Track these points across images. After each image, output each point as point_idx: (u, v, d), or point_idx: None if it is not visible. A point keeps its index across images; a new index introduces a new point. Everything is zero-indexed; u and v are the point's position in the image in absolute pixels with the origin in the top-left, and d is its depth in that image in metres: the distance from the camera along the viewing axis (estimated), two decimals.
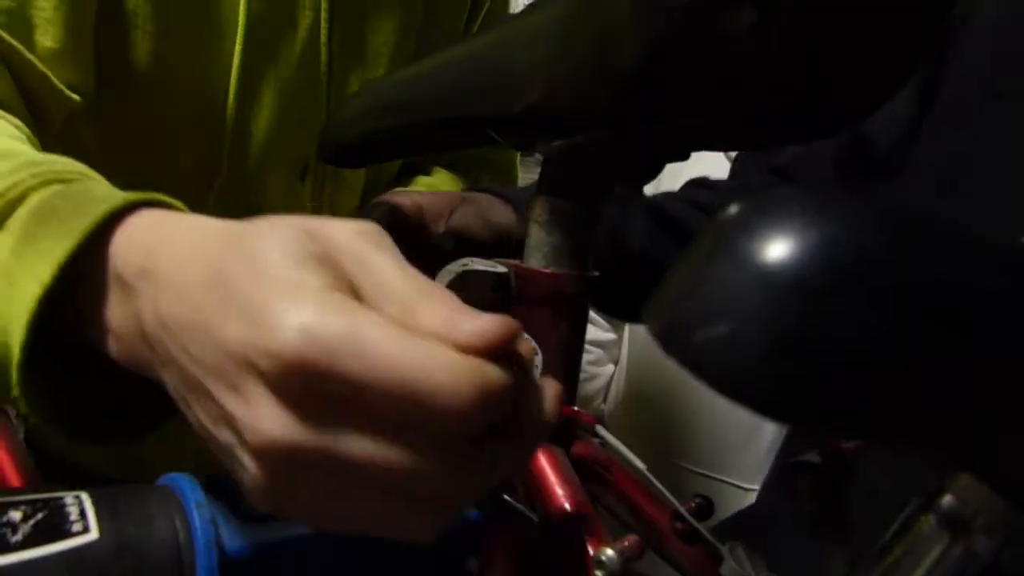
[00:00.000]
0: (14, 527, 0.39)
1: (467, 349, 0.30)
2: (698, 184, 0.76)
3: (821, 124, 0.34)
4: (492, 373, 0.30)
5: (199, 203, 0.56)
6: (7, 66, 0.58)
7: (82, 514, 0.41)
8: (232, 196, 0.78)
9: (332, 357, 0.29)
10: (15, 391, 0.39)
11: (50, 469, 0.91)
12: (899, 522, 0.30)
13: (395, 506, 0.32)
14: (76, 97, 0.64)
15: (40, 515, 0.40)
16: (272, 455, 0.30)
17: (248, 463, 0.31)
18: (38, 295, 0.37)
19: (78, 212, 0.39)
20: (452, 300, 0.31)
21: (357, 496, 0.32)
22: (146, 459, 0.88)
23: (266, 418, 0.30)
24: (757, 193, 0.25)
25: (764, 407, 0.23)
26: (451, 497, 0.32)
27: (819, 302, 0.23)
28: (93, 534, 0.40)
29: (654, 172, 0.41)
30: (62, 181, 0.43)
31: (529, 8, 0.41)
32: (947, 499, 0.28)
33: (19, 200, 0.42)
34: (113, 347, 0.38)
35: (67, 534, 0.40)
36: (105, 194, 0.40)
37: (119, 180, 0.50)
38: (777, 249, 0.23)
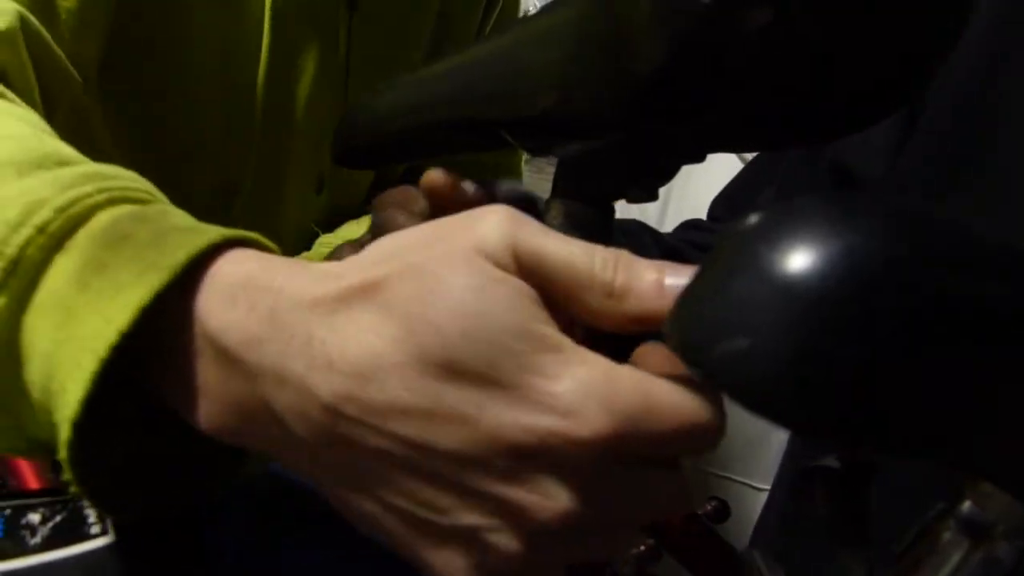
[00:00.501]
0: (33, 529, 0.40)
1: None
2: (691, 226, 0.76)
3: (839, 125, 0.34)
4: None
5: (219, 217, 0.56)
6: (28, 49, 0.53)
7: (100, 517, 0.41)
8: (252, 210, 0.78)
9: (636, 427, 0.27)
10: (61, 454, 0.30)
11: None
12: (918, 528, 0.29)
13: (624, 537, 0.32)
14: (79, 78, 0.58)
15: (59, 517, 0.40)
16: (556, 530, 0.28)
17: (510, 544, 0.29)
18: (112, 342, 0.29)
19: (161, 242, 0.31)
20: (634, 260, 0.30)
21: (606, 541, 0.31)
22: None
23: (556, 498, 0.28)
24: (777, 202, 0.25)
25: (785, 419, 0.23)
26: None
27: (840, 314, 0.22)
28: (110, 537, 0.41)
29: (670, 174, 0.41)
30: (133, 201, 0.35)
31: (544, 10, 0.41)
32: (967, 505, 0.28)
33: (84, 218, 0.33)
34: (206, 419, 0.31)
35: (85, 536, 0.40)
36: (191, 224, 0.33)
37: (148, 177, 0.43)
38: (797, 260, 0.23)
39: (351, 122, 0.55)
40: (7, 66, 0.48)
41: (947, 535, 0.28)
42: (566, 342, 0.29)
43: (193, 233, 0.32)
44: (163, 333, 0.31)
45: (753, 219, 0.25)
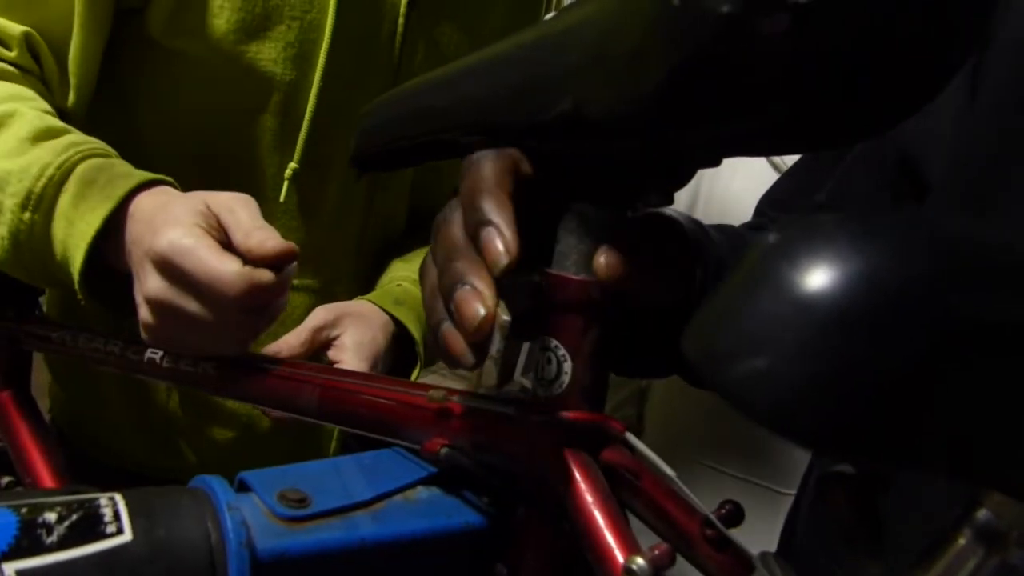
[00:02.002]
0: (49, 528, 0.40)
1: (255, 257, 0.61)
2: (751, 228, 0.73)
3: (855, 128, 0.34)
4: (259, 277, 0.60)
5: (269, 185, 0.87)
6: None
7: (116, 516, 0.42)
8: (300, 184, 0.88)
9: (176, 258, 0.60)
10: (77, 290, 0.67)
11: (83, 467, 0.93)
12: (935, 535, 0.29)
13: (208, 338, 0.64)
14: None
15: (75, 516, 0.41)
16: (151, 305, 0.64)
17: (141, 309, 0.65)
18: (93, 233, 0.65)
19: (111, 184, 0.67)
20: (259, 231, 0.62)
21: (193, 330, 0.63)
22: (172, 453, 0.95)
23: (150, 282, 0.63)
24: (798, 219, 0.25)
25: (805, 440, 0.23)
26: (236, 335, 0.65)
27: (860, 334, 0.22)
28: (127, 536, 0.41)
29: (686, 179, 0.41)
30: (96, 155, 0.71)
31: (560, 15, 0.41)
32: (982, 513, 0.28)
33: (70, 170, 0.69)
34: (120, 259, 0.67)
35: (101, 535, 0.40)
36: (127, 171, 0.70)
37: (193, 153, 0.86)
38: (818, 278, 0.23)
39: (366, 125, 0.55)
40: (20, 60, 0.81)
41: (963, 542, 0.28)
42: (196, 223, 0.63)
43: (127, 178, 0.68)
44: (113, 226, 0.66)
45: (773, 237, 0.25)
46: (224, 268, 0.60)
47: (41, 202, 0.69)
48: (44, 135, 0.72)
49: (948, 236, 0.24)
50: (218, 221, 0.64)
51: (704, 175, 1.29)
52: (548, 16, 0.54)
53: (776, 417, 0.23)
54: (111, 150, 0.74)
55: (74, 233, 0.67)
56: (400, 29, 0.85)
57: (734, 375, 0.24)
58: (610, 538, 0.38)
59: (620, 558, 0.37)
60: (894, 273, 0.23)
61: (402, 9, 0.85)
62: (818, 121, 0.33)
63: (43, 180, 0.69)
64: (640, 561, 0.35)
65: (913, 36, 0.29)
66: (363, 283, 0.96)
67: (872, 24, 0.29)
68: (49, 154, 0.70)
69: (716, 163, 0.41)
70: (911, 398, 0.23)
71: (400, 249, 0.98)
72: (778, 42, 0.30)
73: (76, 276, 0.67)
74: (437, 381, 0.52)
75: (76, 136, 0.74)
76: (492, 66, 0.45)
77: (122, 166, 0.71)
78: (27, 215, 0.69)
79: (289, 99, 0.83)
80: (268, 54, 0.81)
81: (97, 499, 0.42)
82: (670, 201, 0.42)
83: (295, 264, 0.64)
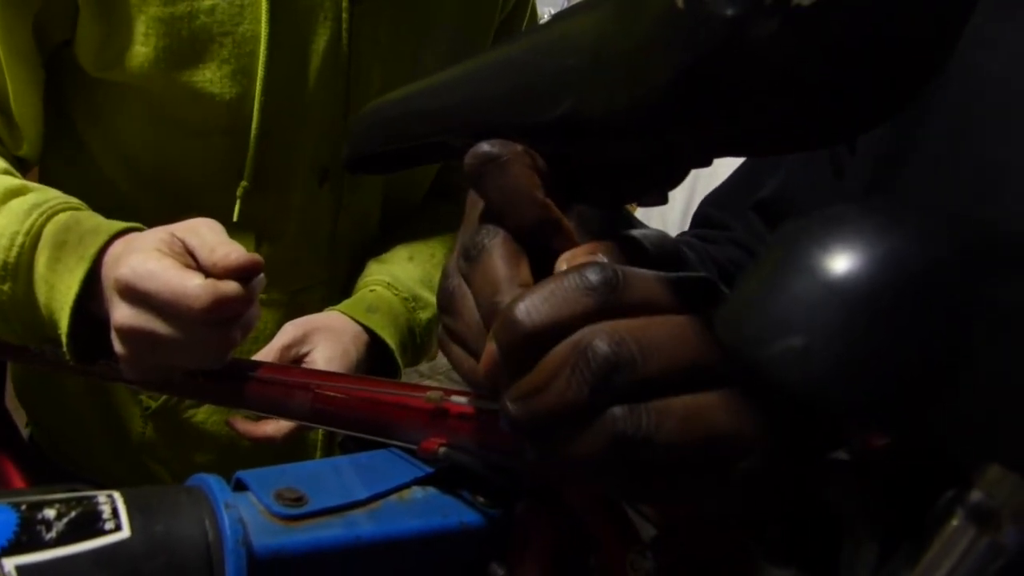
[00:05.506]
0: (48, 524, 0.40)
1: (219, 271, 0.62)
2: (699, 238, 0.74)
3: (851, 126, 0.35)
4: (223, 288, 0.61)
5: (226, 204, 0.82)
6: None
7: (114, 512, 0.42)
8: (257, 200, 0.84)
9: (138, 283, 0.61)
10: (65, 345, 0.68)
11: (65, 482, 0.93)
12: (928, 516, 0.30)
13: (184, 358, 0.65)
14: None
15: (74, 513, 0.41)
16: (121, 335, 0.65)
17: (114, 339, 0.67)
18: (74, 296, 0.67)
19: (82, 243, 0.68)
20: (223, 246, 0.64)
21: (168, 353, 0.64)
22: (152, 478, 0.94)
23: (117, 312, 0.64)
24: (829, 207, 0.26)
25: (837, 412, 0.24)
26: (211, 351, 0.64)
27: (889, 314, 0.24)
28: (125, 532, 0.41)
29: (680, 179, 0.42)
30: (62, 210, 0.71)
31: (560, 16, 0.42)
32: (975, 493, 0.29)
33: (39, 234, 0.70)
34: (101, 308, 0.68)
35: (100, 532, 0.41)
36: (96, 225, 0.70)
37: (147, 179, 0.85)
38: (848, 262, 0.24)
39: (361, 129, 0.56)
40: None
41: (955, 523, 0.29)
42: (157, 247, 0.64)
43: (96, 234, 0.68)
44: (93, 283, 0.67)
45: (803, 220, 0.26)
46: (188, 283, 0.60)
47: (18, 270, 0.69)
48: (3, 197, 0.72)
49: (968, 223, 0.25)
50: (183, 245, 0.65)
51: (699, 176, 1.29)
52: (544, 20, 0.55)
53: (813, 394, 0.24)
54: (73, 200, 0.74)
55: (56, 297, 0.68)
56: (345, 26, 0.83)
57: (770, 354, 0.25)
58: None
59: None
60: (919, 256, 0.24)
61: (344, 4, 0.82)
62: (817, 119, 0.34)
63: (15, 249, 0.69)
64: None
65: (911, 29, 0.30)
66: (339, 288, 0.95)
67: (875, 21, 0.30)
68: (14, 221, 0.70)
69: (708, 163, 0.42)
70: (938, 376, 0.24)
71: (375, 248, 0.97)
72: (782, 43, 0.31)
73: (64, 339, 0.68)
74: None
75: (37, 195, 0.74)
76: (490, 69, 0.45)
77: (88, 219, 0.71)
78: (7, 286, 0.69)
79: (235, 116, 0.81)
80: (204, 75, 0.78)
81: (96, 496, 0.42)
82: (665, 200, 0.43)
83: (262, 276, 0.64)
